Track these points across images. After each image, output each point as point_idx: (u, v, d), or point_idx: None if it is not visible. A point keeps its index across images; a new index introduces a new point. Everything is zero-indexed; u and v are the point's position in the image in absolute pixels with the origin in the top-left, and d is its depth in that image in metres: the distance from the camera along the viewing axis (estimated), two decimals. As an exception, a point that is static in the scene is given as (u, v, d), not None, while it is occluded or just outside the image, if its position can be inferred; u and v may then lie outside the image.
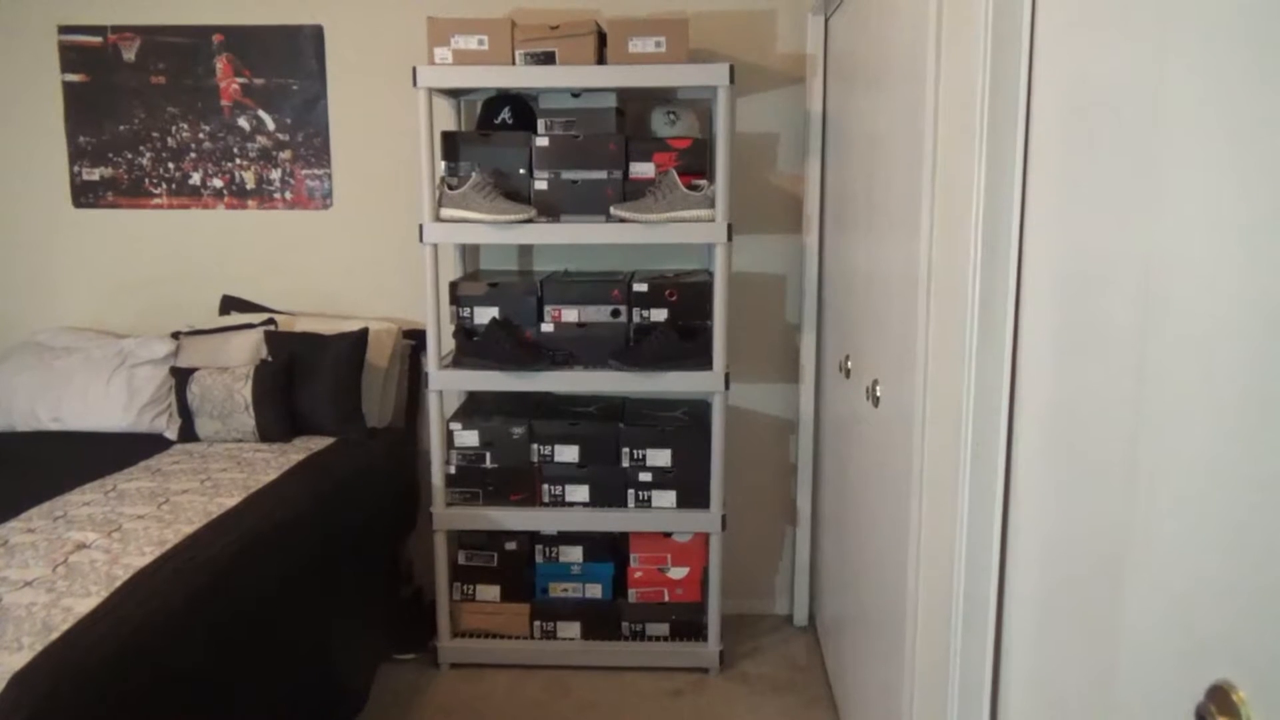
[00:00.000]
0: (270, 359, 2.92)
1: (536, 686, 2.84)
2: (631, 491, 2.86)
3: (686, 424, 2.89)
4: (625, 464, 2.86)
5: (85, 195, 3.25)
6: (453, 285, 2.88)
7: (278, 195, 3.22)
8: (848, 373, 2.49)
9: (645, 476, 2.85)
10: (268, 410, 2.82)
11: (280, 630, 2.13)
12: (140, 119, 3.20)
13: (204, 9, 3.13)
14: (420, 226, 2.72)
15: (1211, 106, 0.86)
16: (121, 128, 3.21)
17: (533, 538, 2.95)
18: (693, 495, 2.85)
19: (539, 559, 2.96)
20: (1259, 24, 0.78)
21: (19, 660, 1.55)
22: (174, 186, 3.23)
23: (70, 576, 1.86)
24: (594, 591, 2.95)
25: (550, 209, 2.81)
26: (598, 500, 2.88)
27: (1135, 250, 1.00)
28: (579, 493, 2.88)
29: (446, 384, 2.81)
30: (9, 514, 2.19)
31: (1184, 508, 0.90)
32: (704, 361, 2.77)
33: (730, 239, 2.69)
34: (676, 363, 2.76)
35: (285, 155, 3.20)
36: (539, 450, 2.88)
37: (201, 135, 3.20)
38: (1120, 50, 1.04)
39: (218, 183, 3.22)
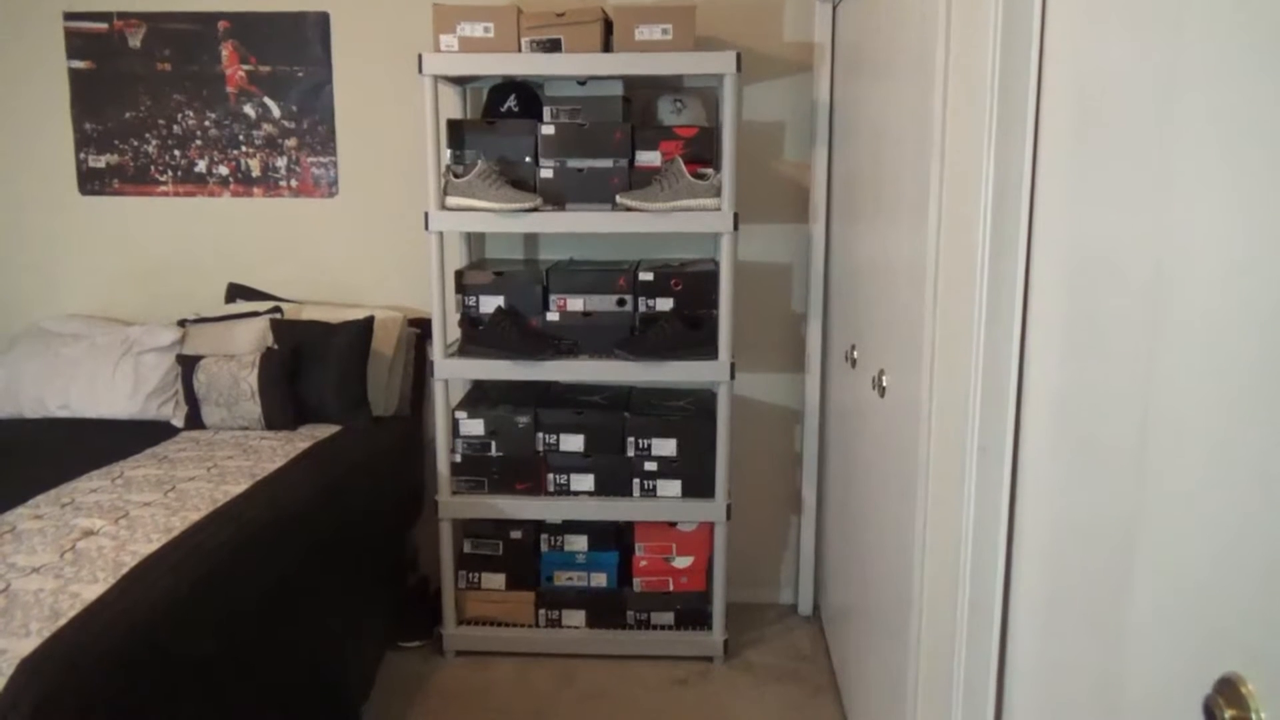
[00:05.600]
0: (276, 347, 2.92)
1: (542, 675, 2.85)
2: (637, 481, 2.86)
3: (692, 413, 2.89)
4: (630, 453, 2.86)
5: (91, 182, 3.25)
6: (458, 274, 2.88)
7: (283, 183, 3.22)
8: (854, 362, 2.48)
9: (650, 466, 2.85)
10: (273, 398, 2.82)
11: (286, 617, 2.13)
12: (146, 106, 3.20)
13: (209, -4, 3.12)
14: (425, 215, 2.71)
15: (1223, 98, 0.85)
16: (127, 114, 3.20)
17: (538, 526, 2.96)
18: (698, 485, 2.85)
19: (544, 548, 2.96)
20: (1270, 17, 0.77)
21: (27, 646, 1.56)
22: (180, 174, 3.23)
23: (78, 563, 1.87)
24: (599, 580, 2.96)
25: (556, 197, 2.80)
26: (603, 489, 2.88)
27: (1145, 241, 0.99)
28: (584, 482, 2.88)
29: (452, 372, 2.82)
30: (17, 501, 2.20)
31: (1192, 499, 0.89)
32: (709, 351, 2.77)
33: (736, 228, 2.68)
34: (682, 352, 2.75)
35: (291, 143, 3.19)
36: (544, 439, 2.88)
37: (207, 122, 3.20)
38: (1132, 40, 1.03)
39: (223, 170, 3.22)
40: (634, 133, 2.79)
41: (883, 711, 2.10)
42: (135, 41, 3.16)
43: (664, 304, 2.83)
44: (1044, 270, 1.28)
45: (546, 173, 2.79)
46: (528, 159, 2.82)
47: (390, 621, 2.86)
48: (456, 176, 2.72)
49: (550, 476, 2.89)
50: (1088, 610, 1.12)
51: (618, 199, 2.73)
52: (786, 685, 2.81)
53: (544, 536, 2.96)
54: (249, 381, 2.82)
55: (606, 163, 2.78)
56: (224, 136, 3.20)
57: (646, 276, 2.82)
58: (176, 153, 3.22)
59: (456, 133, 2.84)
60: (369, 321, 2.97)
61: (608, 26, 2.75)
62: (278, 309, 3.08)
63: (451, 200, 2.72)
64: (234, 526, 2.09)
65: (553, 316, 2.85)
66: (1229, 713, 0.80)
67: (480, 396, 3.04)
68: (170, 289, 3.29)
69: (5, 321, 3.33)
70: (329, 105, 3.17)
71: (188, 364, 2.88)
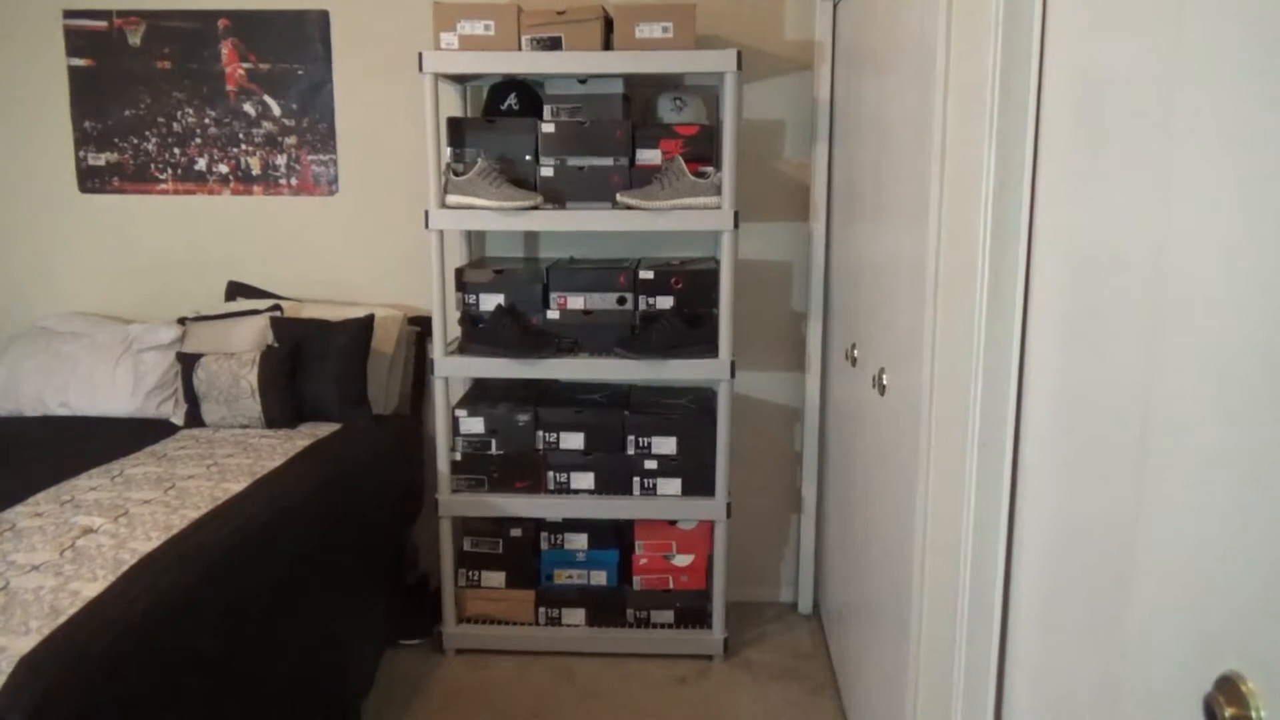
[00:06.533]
0: (276, 345, 2.92)
1: (541, 673, 2.85)
2: (637, 479, 2.86)
3: (692, 412, 2.89)
4: (630, 451, 2.86)
5: (91, 180, 3.25)
6: (458, 272, 2.87)
7: (283, 181, 3.22)
8: (854, 361, 2.48)
9: (650, 464, 2.85)
10: (273, 396, 2.82)
11: (286, 615, 2.13)
12: (146, 104, 3.19)
13: (209, -7, 3.12)
14: (426, 213, 2.71)
15: (1224, 94, 0.85)
16: (127, 113, 3.20)
17: (538, 524, 2.96)
18: (698, 483, 2.85)
19: (544, 546, 2.96)
20: (1270, 16, 0.77)
21: (27, 644, 1.56)
22: (180, 172, 3.23)
23: (77, 561, 1.87)
24: (599, 578, 2.96)
25: (556, 195, 2.80)
26: (603, 487, 2.88)
27: (1146, 238, 0.99)
28: (584, 480, 2.88)
29: (452, 371, 2.81)
30: (17, 498, 2.20)
31: (1193, 498, 0.89)
32: (710, 349, 2.77)
33: (736, 226, 2.68)
34: (682, 350, 2.75)
35: (291, 141, 3.19)
36: (544, 437, 2.88)
37: (207, 120, 3.19)
38: (1133, 36, 1.03)
39: (223, 168, 3.22)
40: (634, 131, 2.79)
41: (882, 710, 2.10)
42: (135, 39, 3.16)
43: (664, 302, 2.83)
44: (1044, 268, 1.27)
45: (547, 171, 2.79)
46: (528, 157, 2.81)
47: (390, 619, 2.86)
48: (457, 175, 2.72)
49: (550, 474, 2.89)
50: (1088, 608, 1.12)
51: (618, 197, 2.73)
52: (786, 683, 2.81)
53: (544, 535, 2.96)
54: (249, 379, 2.82)
55: (607, 161, 2.78)
56: (224, 134, 3.20)
57: (647, 275, 2.82)
58: (176, 151, 3.22)
59: (457, 131, 2.84)
60: (369, 319, 2.96)
61: (608, 24, 2.74)
62: (278, 307, 3.08)
63: (452, 198, 2.71)
64: (234, 524, 2.09)
65: (553, 314, 2.85)
66: (1229, 711, 0.80)
67: (480, 395, 3.03)
68: (170, 287, 3.29)
69: (5, 320, 3.33)
70: (329, 103, 3.16)
71: (188, 362, 2.87)
